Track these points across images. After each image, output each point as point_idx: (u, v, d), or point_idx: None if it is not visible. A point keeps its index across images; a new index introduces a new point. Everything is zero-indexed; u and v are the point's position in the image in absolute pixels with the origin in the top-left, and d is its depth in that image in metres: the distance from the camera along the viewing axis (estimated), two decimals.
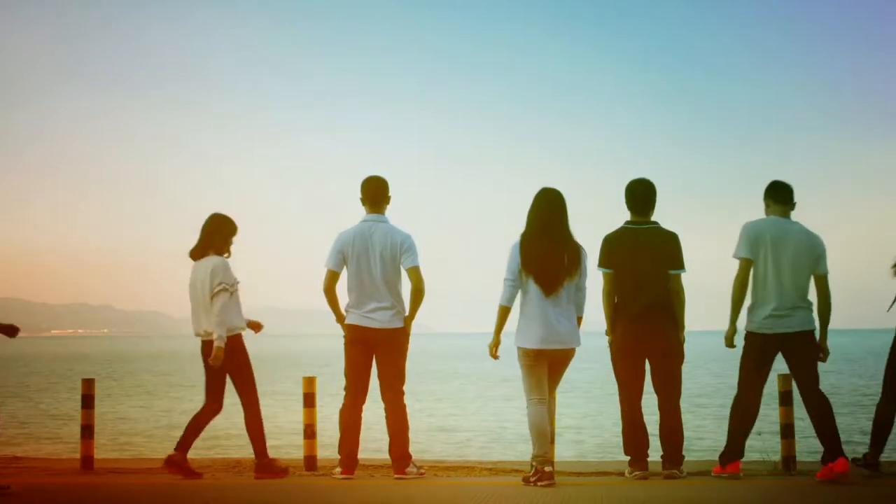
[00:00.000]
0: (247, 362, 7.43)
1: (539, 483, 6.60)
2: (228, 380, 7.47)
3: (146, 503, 6.45)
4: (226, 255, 7.52)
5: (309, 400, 8.03)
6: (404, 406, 7.24)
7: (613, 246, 7.13)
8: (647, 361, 7.10)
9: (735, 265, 7.01)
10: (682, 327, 7.12)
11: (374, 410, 7.41)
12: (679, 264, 7.12)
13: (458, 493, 6.51)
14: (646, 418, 7.10)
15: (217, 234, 7.53)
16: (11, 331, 6.99)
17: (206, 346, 7.42)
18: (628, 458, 7.12)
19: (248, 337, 7.60)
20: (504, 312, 6.85)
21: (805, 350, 6.97)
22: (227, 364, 7.34)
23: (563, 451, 12.22)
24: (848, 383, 30.61)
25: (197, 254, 7.52)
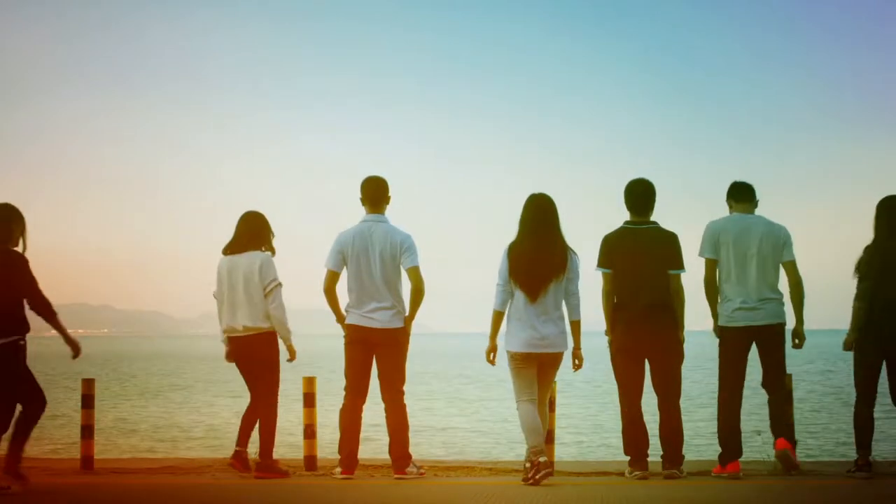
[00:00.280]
0: (278, 360, 7.44)
1: (538, 476, 6.61)
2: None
3: (146, 503, 6.45)
4: (271, 252, 7.51)
5: (309, 400, 8.03)
6: (404, 406, 7.24)
7: (613, 246, 7.14)
8: (646, 361, 7.12)
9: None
10: (682, 327, 7.15)
11: (374, 410, 7.41)
12: (678, 264, 7.14)
13: (458, 493, 6.51)
14: (646, 418, 7.11)
15: (263, 230, 7.53)
16: (75, 348, 6.96)
17: (242, 341, 7.38)
18: (628, 458, 7.13)
19: None
20: (497, 317, 6.95)
21: (772, 342, 7.10)
22: (261, 357, 7.35)
23: (563, 451, 12.24)
24: (848, 384, 30.53)
25: (237, 248, 7.46)
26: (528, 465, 6.74)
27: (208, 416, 20.18)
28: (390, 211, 7.38)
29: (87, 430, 8.06)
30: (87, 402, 8.15)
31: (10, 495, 6.46)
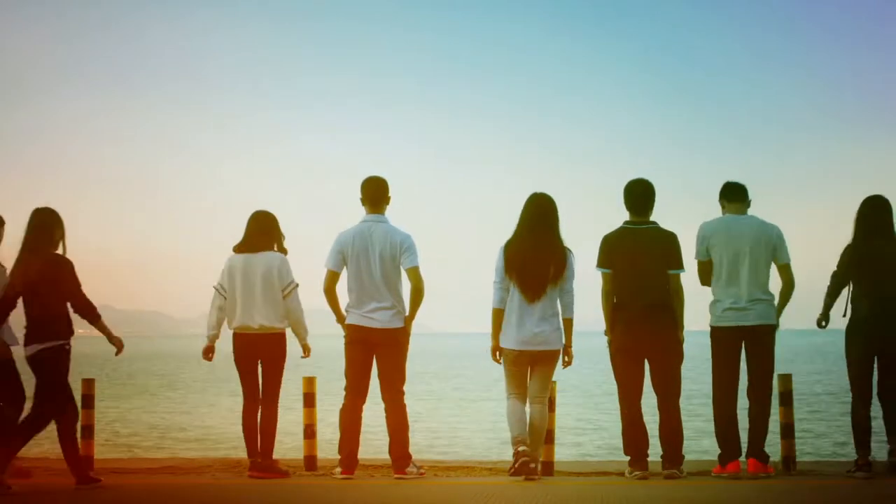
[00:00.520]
0: (284, 362, 7.45)
1: (517, 466, 6.75)
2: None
3: (146, 503, 6.45)
4: (283, 252, 7.51)
5: (309, 400, 8.04)
6: (404, 406, 7.24)
7: (612, 246, 7.14)
8: (646, 361, 7.12)
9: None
10: (682, 327, 7.15)
11: (374, 410, 7.41)
12: (678, 264, 7.14)
13: (458, 493, 6.51)
14: (646, 418, 7.11)
15: (274, 230, 7.53)
16: (119, 345, 7.11)
17: (253, 339, 7.35)
18: (628, 458, 7.13)
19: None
20: (497, 315, 7.02)
21: (761, 344, 7.09)
22: (272, 356, 7.34)
23: (563, 452, 12.23)
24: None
25: (251, 247, 7.44)
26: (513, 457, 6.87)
27: (208, 416, 20.31)
28: (390, 211, 7.38)
29: (87, 430, 8.06)
30: (87, 402, 8.15)
31: (11, 495, 6.47)
